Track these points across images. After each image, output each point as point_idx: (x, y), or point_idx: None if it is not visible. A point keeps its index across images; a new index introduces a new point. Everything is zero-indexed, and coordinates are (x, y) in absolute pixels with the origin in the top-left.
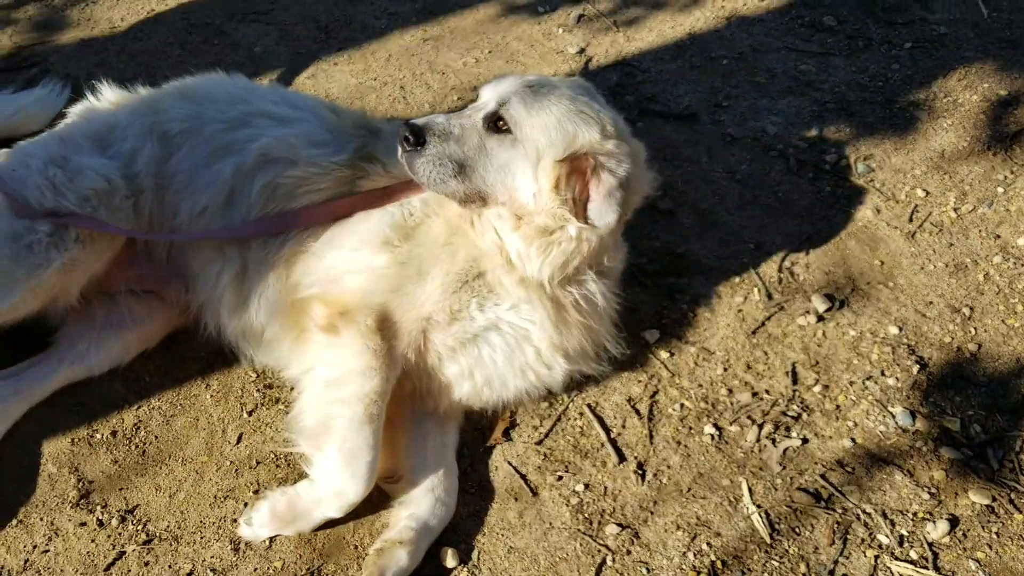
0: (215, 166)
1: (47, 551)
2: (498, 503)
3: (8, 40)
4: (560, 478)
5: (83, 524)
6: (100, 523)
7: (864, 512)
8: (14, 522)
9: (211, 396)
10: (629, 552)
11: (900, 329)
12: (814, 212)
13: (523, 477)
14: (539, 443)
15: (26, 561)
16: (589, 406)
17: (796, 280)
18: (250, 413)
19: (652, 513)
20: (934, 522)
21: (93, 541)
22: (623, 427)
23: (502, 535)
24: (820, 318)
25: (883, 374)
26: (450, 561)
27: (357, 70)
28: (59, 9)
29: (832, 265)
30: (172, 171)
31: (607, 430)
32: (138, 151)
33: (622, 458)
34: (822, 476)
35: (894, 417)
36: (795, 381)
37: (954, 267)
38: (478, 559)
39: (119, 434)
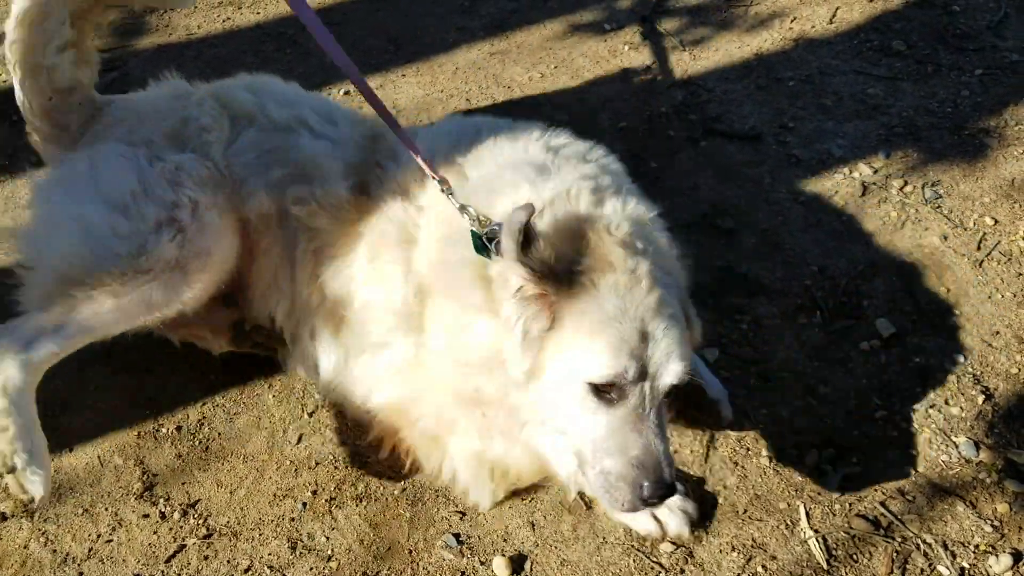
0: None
1: (110, 540)
2: (552, 515)
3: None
4: None
5: (146, 516)
6: (162, 515)
7: (924, 542)
8: (80, 510)
9: (273, 396)
10: (683, 571)
11: (965, 358)
12: (879, 237)
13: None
14: None
15: (90, 549)
16: None
17: (860, 305)
18: (310, 415)
19: (707, 533)
20: (996, 556)
21: (155, 533)
22: (679, 445)
23: (555, 547)
24: (884, 344)
25: (947, 403)
26: (503, 571)
27: (424, 82)
28: (139, 15)
29: (897, 291)
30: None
31: None
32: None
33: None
34: (882, 504)
35: (957, 447)
36: (857, 406)
37: (1023, 297)
38: (530, 570)
39: (184, 429)
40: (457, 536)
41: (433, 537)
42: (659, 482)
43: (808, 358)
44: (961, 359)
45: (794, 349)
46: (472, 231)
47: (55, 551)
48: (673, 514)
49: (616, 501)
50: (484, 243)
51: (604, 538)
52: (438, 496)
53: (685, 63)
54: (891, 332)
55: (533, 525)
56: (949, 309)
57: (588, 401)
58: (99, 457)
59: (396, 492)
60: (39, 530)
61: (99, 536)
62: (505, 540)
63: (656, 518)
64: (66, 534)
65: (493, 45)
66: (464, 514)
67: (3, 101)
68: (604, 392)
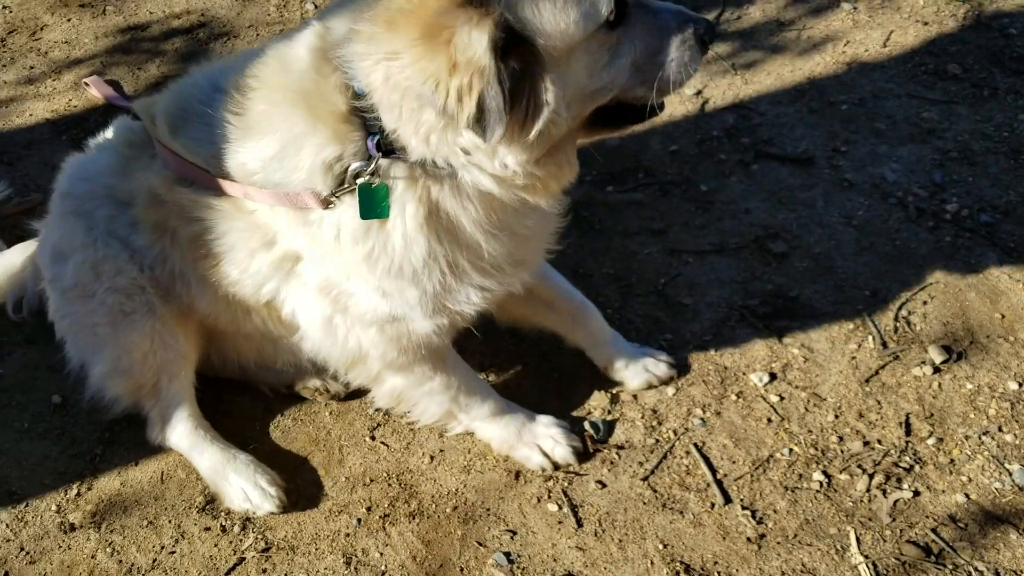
0: None
1: (173, 552)
2: (602, 535)
3: (156, 70)
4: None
5: (207, 529)
6: (223, 529)
7: (976, 570)
8: (144, 522)
9: (330, 414)
10: None
11: (1020, 385)
12: (933, 261)
13: (627, 512)
14: (644, 479)
15: (154, 560)
16: (696, 445)
17: (912, 330)
18: (368, 432)
19: (757, 557)
20: None
21: (216, 546)
22: (730, 468)
23: (605, 568)
24: (936, 369)
25: (1000, 430)
26: None
27: None
28: (203, 42)
29: (950, 316)
30: None
31: (713, 470)
32: None
33: (728, 499)
34: (933, 530)
35: (1011, 475)
36: (908, 432)
37: None
38: None
39: (243, 446)
40: (508, 555)
41: (484, 556)
42: None
43: (860, 383)
44: (1015, 386)
45: (846, 374)
46: None
47: (121, 561)
48: (559, 446)
49: None
50: None
51: (652, 560)
52: (489, 514)
53: (737, 87)
54: (944, 358)
55: (582, 546)
56: (1003, 335)
57: None
58: (163, 471)
59: (448, 510)
60: (106, 541)
61: (163, 548)
62: (555, 560)
63: (543, 452)
64: (131, 545)
65: None
66: (515, 533)
67: (70, 125)
68: None
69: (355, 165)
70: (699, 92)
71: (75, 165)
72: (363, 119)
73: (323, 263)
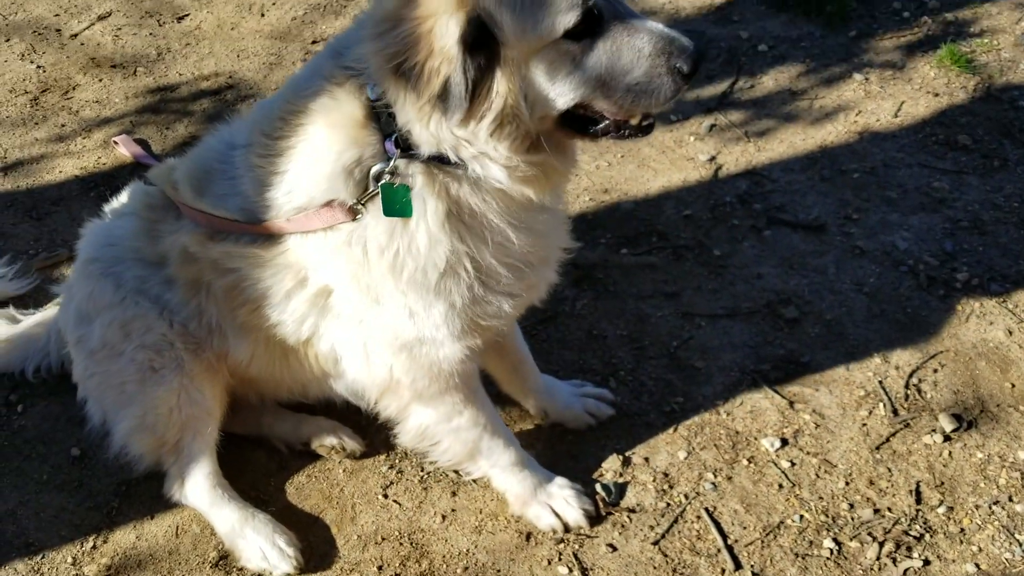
0: None
1: None
2: None
3: (184, 130)
4: None
5: None
6: None
7: None
8: None
9: (343, 471)
10: None
11: None
12: (944, 330)
13: None
14: (655, 543)
15: None
16: (707, 510)
17: (923, 398)
18: (381, 490)
19: None
20: None
21: None
22: (740, 533)
23: None
24: (947, 438)
25: (1011, 500)
26: None
27: None
28: (230, 103)
29: (961, 385)
30: None
31: (724, 535)
32: None
33: (738, 565)
34: None
35: (1021, 545)
36: (919, 500)
37: None
38: None
39: (256, 501)
40: None
41: None
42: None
43: (870, 450)
44: None
45: (856, 441)
46: None
47: None
48: (571, 508)
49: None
50: None
51: None
52: None
53: (750, 154)
54: (955, 426)
55: None
56: (1014, 405)
57: None
58: (178, 525)
59: (459, 571)
60: None
61: None
62: None
63: (555, 512)
64: None
65: None
66: None
67: (98, 182)
68: None
69: (375, 168)
70: (713, 158)
71: (97, 232)
72: (379, 124)
73: (353, 288)
